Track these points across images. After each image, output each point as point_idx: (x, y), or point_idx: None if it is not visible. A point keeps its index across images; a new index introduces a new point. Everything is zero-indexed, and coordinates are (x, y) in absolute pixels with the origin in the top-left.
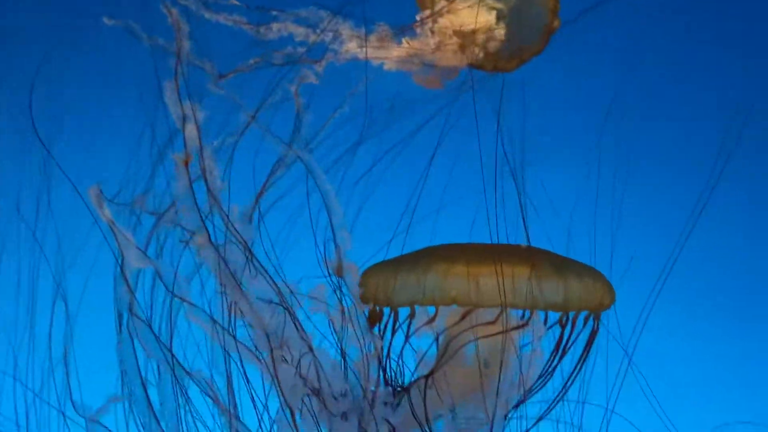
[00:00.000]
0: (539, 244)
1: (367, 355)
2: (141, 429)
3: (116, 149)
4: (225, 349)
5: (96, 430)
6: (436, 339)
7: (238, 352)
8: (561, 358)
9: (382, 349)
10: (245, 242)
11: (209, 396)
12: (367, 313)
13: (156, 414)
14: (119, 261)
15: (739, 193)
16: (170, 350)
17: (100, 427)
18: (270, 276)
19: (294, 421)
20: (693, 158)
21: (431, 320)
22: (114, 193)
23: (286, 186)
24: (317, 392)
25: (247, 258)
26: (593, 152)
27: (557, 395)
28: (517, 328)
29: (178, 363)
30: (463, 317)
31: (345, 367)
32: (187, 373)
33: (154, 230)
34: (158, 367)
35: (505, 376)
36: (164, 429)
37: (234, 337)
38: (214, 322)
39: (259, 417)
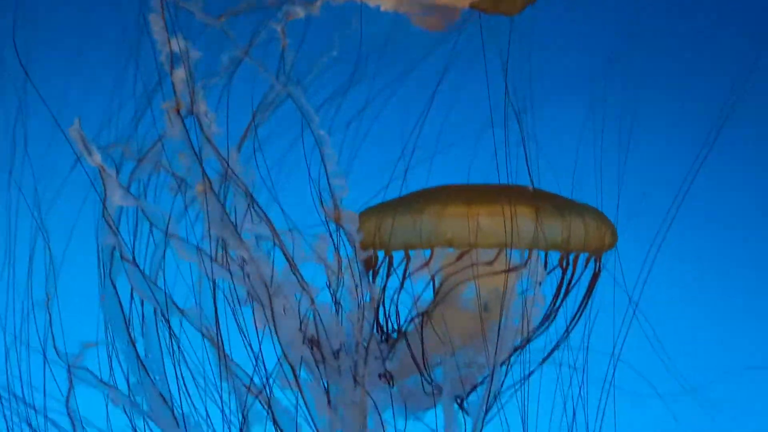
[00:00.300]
0: (542, 186)
1: (363, 303)
2: (126, 375)
3: (97, 86)
4: (216, 288)
5: (79, 376)
6: (434, 282)
7: (233, 295)
8: (563, 301)
9: (379, 295)
10: (246, 188)
11: (203, 334)
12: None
13: (142, 360)
14: (102, 200)
15: (747, 135)
16: (162, 289)
17: (84, 373)
18: (271, 222)
19: (296, 376)
20: (701, 98)
21: (427, 263)
22: (94, 134)
23: (278, 130)
24: (316, 343)
25: (248, 204)
26: (599, 94)
27: (559, 340)
28: (517, 269)
29: (172, 301)
30: (460, 258)
31: (341, 317)
32: (180, 310)
33: (139, 171)
34: (144, 306)
35: (506, 320)
36: (150, 374)
37: (230, 272)
38: (209, 258)
39: (254, 364)
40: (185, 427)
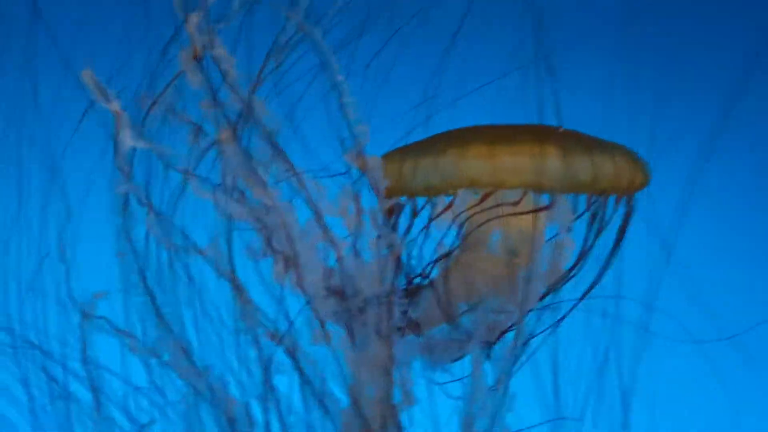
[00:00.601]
0: (572, 127)
1: (386, 252)
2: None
3: (107, 35)
4: (235, 231)
5: (96, 324)
6: (457, 227)
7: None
8: (593, 245)
9: (402, 243)
10: (271, 135)
11: (222, 274)
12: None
13: (160, 308)
14: (115, 143)
15: None
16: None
17: (101, 322)
18: (295, 168)
19: (324, 328)
20: (736, 35)
21: (449, 205)
22: (106, 80)
23: (294, 73)
24: (340, 294)
25: (273, 153)
26: (630, 30)
27: (590, 286)
28: (543, 209)
29: (191, 242)
30: (483, 200)
31: (363, 268)
32: (199, 251)
33: (153, 117)
34: (161, 253)
35: (535, 265)
36: (169, 323)
37: (250, 216)
38: (228, 199)
39: (275, 313)
40: (206, 376)
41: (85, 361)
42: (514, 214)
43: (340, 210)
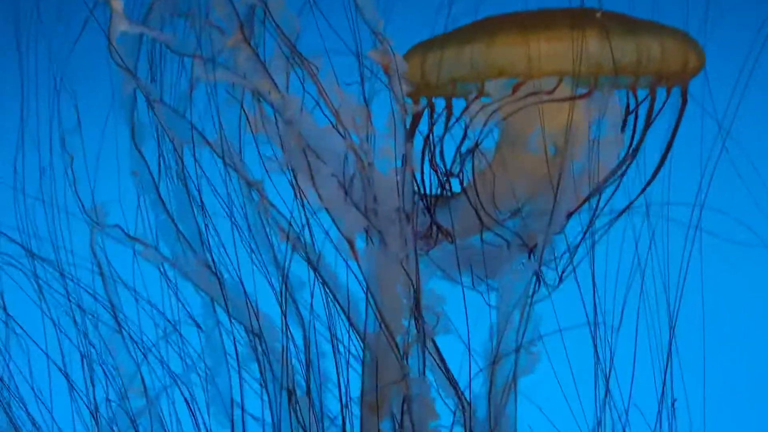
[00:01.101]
0: (614, 9)
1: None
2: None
3: None
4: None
5: (107, 233)
6: (489, 125)
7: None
8: (641, 140)
9: (432, 145)
10: (288, 39)
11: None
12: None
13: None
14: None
15: None
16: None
17: (113, 231)
18: (314, 71)
19: (352, 248)
20: None
21: (478, 96)
22: None
23: None
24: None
25: (291, 55)
26: None
27: (644, 187)
28: (583, 97)
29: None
30: (515, 91)
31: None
32: (208, 143)
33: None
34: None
35: (577, 164)
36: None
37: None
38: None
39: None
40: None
41: (100, 272)
42: (552, 101)
43: (358, 116)
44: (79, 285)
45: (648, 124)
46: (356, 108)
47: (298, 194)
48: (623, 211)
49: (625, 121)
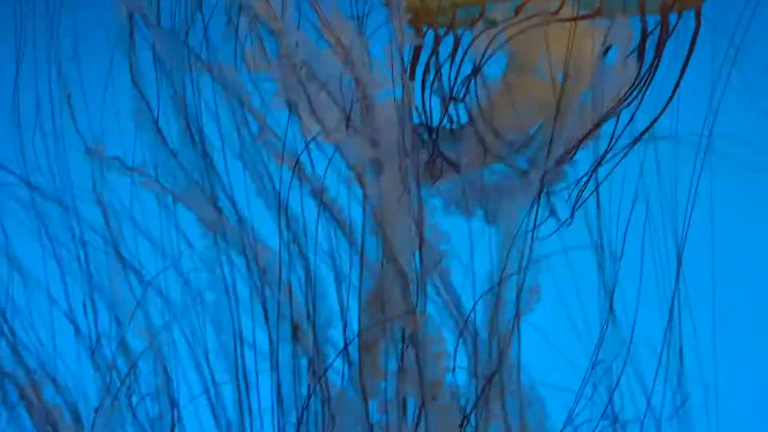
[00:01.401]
0: None
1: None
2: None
3: None
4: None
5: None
6: (492, 50)
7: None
8: (654, 65)
9: (438, 70)
10: None
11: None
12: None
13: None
14: None
15: None
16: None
17: (112, 162)
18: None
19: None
20: None
21: (478, 19)
22: None
23: None
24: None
25: None
26: None
27: (653, 120)
28: (588, 17)
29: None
30: (520, 10)
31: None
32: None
33: None
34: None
35: (588, 90)
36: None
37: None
38: None
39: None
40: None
41: (99, 202)
42: (556, 20)
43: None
44: (78, 216)
45: (660, 48)
46: (356, 37)
47: (302, 130)
48: (636, 140)
49: (642, 47)
